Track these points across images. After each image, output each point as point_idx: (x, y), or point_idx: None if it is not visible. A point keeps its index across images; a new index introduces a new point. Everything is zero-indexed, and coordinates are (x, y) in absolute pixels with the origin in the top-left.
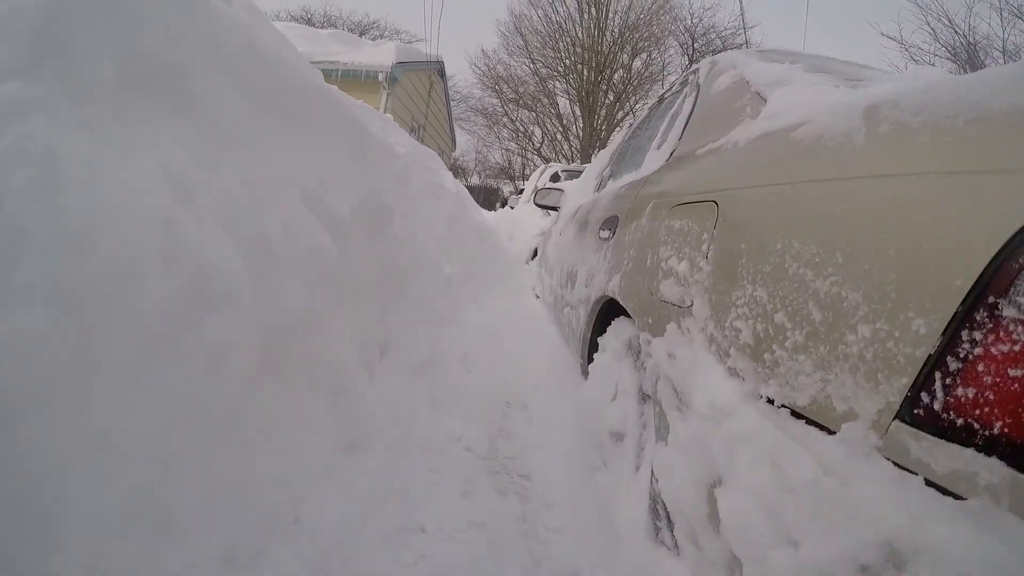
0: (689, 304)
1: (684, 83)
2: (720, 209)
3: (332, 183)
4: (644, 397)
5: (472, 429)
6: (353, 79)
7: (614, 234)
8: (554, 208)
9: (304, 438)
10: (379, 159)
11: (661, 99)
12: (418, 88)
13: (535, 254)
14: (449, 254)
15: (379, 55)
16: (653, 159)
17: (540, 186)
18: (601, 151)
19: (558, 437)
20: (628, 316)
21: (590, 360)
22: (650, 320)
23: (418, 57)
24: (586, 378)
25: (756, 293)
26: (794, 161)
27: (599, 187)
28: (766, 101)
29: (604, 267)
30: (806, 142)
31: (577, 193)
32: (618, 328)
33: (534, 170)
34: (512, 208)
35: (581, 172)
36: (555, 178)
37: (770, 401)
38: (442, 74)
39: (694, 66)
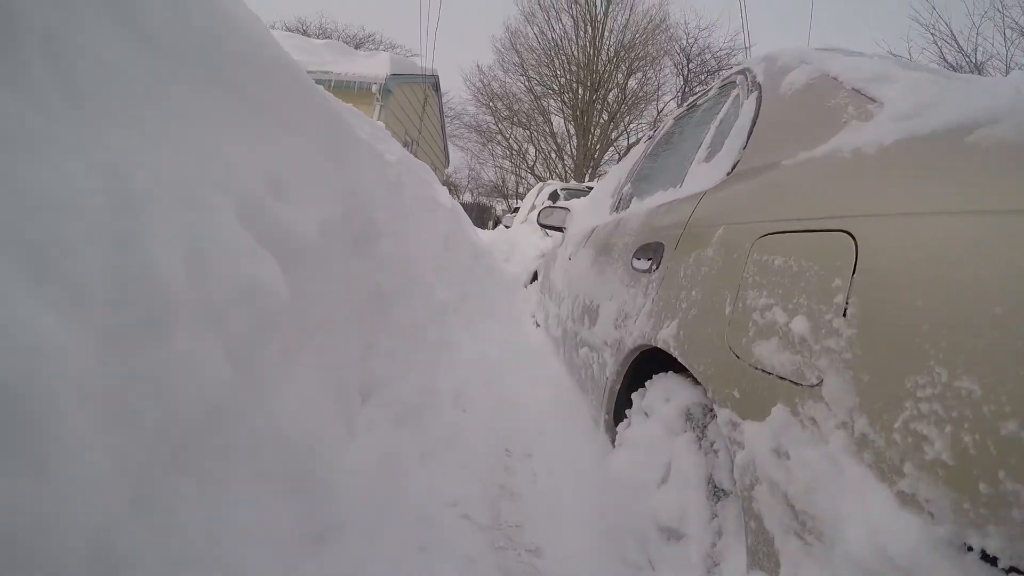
0: (815, 382)
1: (728, 84)
2: (860, 244)
3: (295, 190)
4: (718, 492)
5: (470, 489)
6: (346, 90)
7: (658, 266)
8: (558, 229)
9: (245, 553)
10: (366, 164)
11: (693, 106)
12: (412, 102)
13: (534, 277)
14: (443, 276)
15: (373, 66)
16: (701, 173)
17: (539, 204)
18: (614, 167)
19: (573, 504)
20: (682, 373)
21: (618, 417)
22: (735, 393)
23: (413, 70)
24: (612, 438)
25: (958, 383)
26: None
27: (618, 206)
28: (876, 100)
29: (644, 307)
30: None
31: (588, 213)
32: (667, 388)
33: (528, 189)
34: (507, 227)
35: (581, 191)
36: (554, 196)
37: (986, 557)
38: (437, 88)
39: (738, 66)
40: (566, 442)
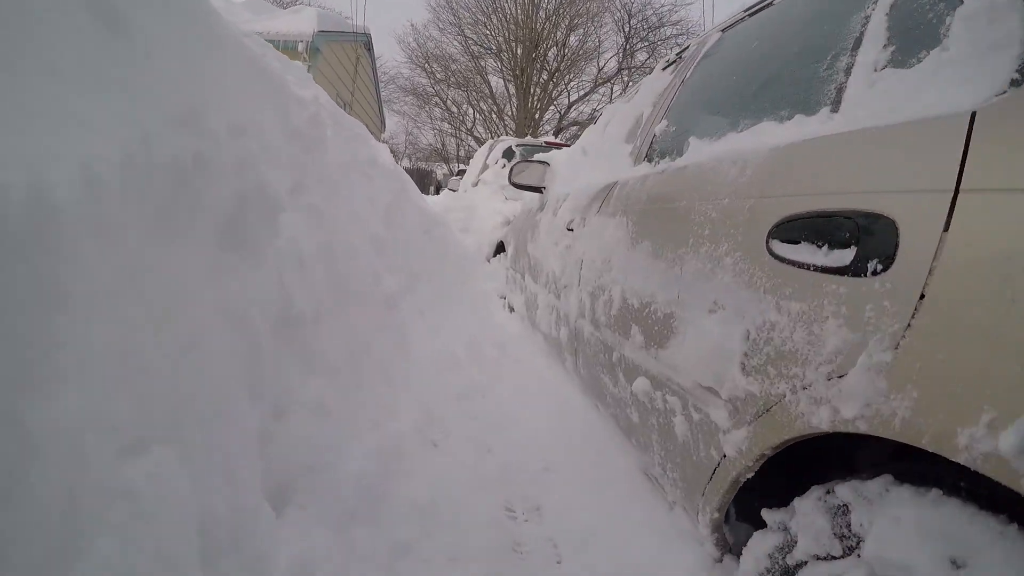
0: None
1: None
2: None
3: None
4: None
5: None
6: None
7: (885, 265)
8: (536, 189)
9: None
10: (256, 93)
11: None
12: (343, 62)
13: (499, 249)
14: (387, 257)
15: (298, 23)
16: (911, 83)
17: (491, 163)
18: (613, 106)
19: None
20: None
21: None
22: None
23: (343, 27)
24: (717, 539)
25: None
26: None
27: (649, 154)
28: None
29: (860, 354)
30: None
31: (581, 167)
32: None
33: (470, 152)
34: (452, 191)
35: (539, 146)
36: (508, 154)
37: None
38: (369, 48)
39: None
40: (592, 493)
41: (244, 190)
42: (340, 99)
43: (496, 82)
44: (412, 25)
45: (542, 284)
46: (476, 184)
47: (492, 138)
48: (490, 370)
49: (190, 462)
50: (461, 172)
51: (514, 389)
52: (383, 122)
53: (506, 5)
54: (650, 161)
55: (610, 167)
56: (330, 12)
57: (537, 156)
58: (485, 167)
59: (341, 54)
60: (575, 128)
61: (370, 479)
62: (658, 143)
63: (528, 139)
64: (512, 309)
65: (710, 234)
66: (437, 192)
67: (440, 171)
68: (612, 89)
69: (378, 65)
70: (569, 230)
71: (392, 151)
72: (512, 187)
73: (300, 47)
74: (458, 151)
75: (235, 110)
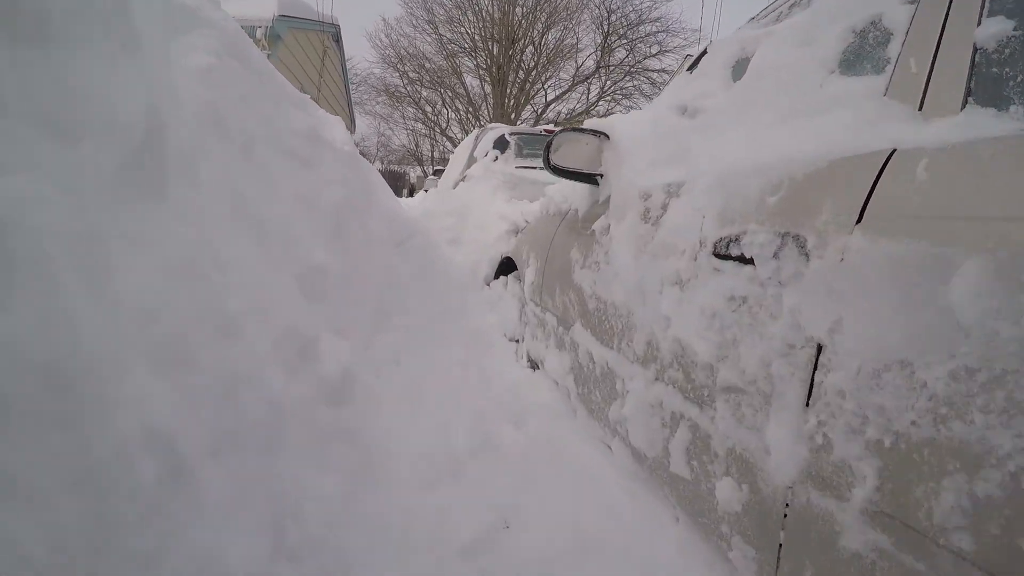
0: None
1: None
2: None
3: None
4: None
5: None
6: None
7: None
8: (587, 177)
9: None
10: None
11: None
12: (309, 53)
13: (504, 268)
14: (331, 301)
15: (257, 5)
16: None
17: (479, 156)
18: (725, 42)
19: None
20: None
21: None
22: None
23: (308, 14)
24: None
25: None
26: None
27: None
28: None
29: None
30: None
31: (702, 136)
32: None
33: (445, 154)
34: (427, 192)
35: (537, 135)
36: (500, 144)
37: None
38: (338, 40)
39: None
40: None
41: None
42: (304, 92)
43: (471, 81)
44: (384, 20)
45: (628, 355)
46: (461, 182)
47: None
48: (515, 482)
49: None
50: (438, 171)
51: (566, 526)
52: (353, 122)
53: (482, 1)
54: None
55: (823, 126)
56: (299, 1)
57: (613, 118)
58: (472, 161)
59: (307, 44)
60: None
61: None
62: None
63: (523, 127)
64: (536, 365)
65: None
66: (411, 195)
67: (414, 173)
68: (589, 88)
69: (349, 67)
70: (732, 260)
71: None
72: (522, 180)
73: (259, 32)
74: (432, 152)
75: None
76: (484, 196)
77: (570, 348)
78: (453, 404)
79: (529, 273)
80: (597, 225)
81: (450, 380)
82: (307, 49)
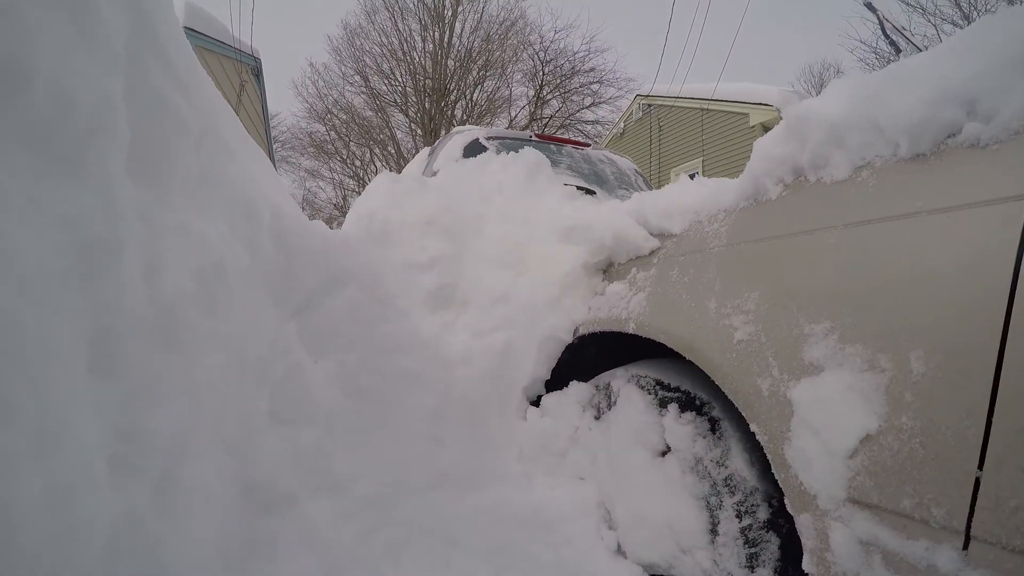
0: None
1: None
2: None
3: None
4: None
5: None
6: None
7: None
8: None
9: None
10: None
11: None
12: (221, 83)
13: (572, 357)
14: None
15: None
16: None
17: (448, 159)
18: None
19: None
20: None
21: None
22: None
23: (222, 35)
24: None
25: None
26: None
27: None
28: None
29: None
30: None
31: None
32: None
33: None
34: None
35: (525, 141)
36: (473, 150)
37: None
38: (258, 76)
39: None
40: None
41: None
42: None
43: (402, 137)
44: (312, 65)
45: None
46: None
47: None
48: None
49: None
50: None
51: None
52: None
53: (414, 55)
54: None
55: None
56: (211, 17)
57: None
58: (432, 175)
59: (219, 71)
60: None
61: None
62: None
63: (505, 130)
64: None
65: None
66: None
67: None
68: None
69: (273, 124)
70: None
71: None
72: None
73: None
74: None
75: None
76: (511, 186)
77: None
78: None
79: (838, 402)
80: None
81: None
82: (219, 78)
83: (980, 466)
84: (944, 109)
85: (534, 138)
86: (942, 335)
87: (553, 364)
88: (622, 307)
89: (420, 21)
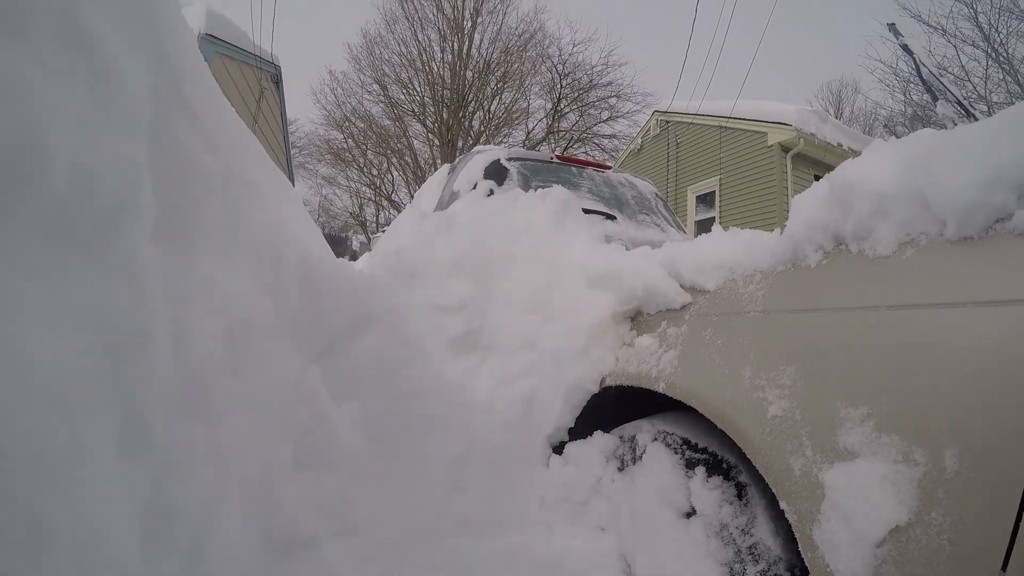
0: None
1: None
2: None
3: None
4: None
5: None
6: None
7: None
8: None
9: None
10: None
11: None
12: (241, 90)
13: (596, 407)
14: None
15: None
16: None
17: (465, 190)
18: None
19: None
20: None
21: None
22: None
23: (244, 43)
24: None
25: None
26: None
27: None
28: None
29: None
30: None
31: None
32: None
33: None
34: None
35: (546, 163)
36: (495, 172)
37: None
38: (278, 84)
39: None
40: None
41: None
42: None
43: (419, 146)
44: (331, 73)
45: None
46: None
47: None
48: None
49: None
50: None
51: None
52: (292, 180)
53: (433, 65)
54: None
55: None
56: (232, 24)
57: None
58: (451, 197)
59: (239, 78)
60: None
61: None
62: None
63: (523, 150)
64: None
65: None
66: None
67: (356, 240)
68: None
69: (292, 130)
70: None
71: None
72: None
73: None
74: (377, 217)
75: None
76: (539, 226)
77: None
78: None
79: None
80: None
81: None
82: (240, 85)
83: (1004, 567)
84: (996, 193)
85: (555, 160)
86: (978, 435)
87: (578, 412)
88: (652, 363)
89: (439, 31)
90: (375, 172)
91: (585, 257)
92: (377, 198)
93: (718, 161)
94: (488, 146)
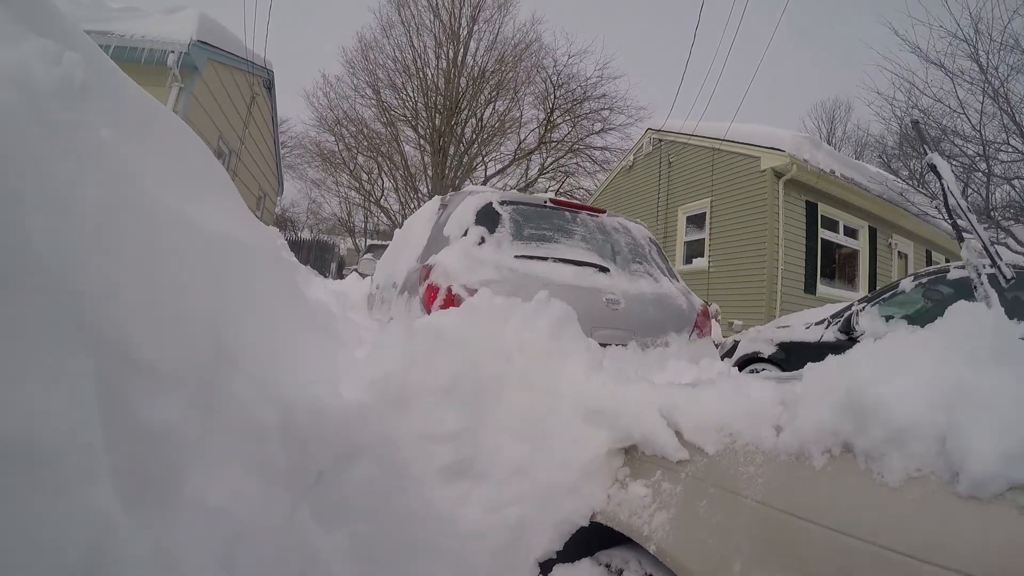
0: None
1: None
2: None
3: None
4: None
5: None
6: (131, 61)
7: None
8: None
9: None
10: None
11: None
12: (233, 96)
13: (590, 542)
14: None
15: (171, 26)
16: None
17: (455, 236)
18: None
19: None
20: None
21: None
22: None
23: (235, 47)
24: None
25: None
26: None
27: None
28: None
29: None
30: None
31: None
32: None
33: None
34: (365, 275)
35: (539, 207)
36: (487, 218)
37: None
38: (270, 88)
39: None
40: None
41: None
42: (224, 143)
43: (410, 151)
44: (324, 77)
45: None
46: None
47: (405, 211)
48: None
49: None
50: (374, 247)
51: None
52: (281, 184)
53: (427, 72)
54: None
55: None
56: (225, 29)
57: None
58: (440, 242)
59: (231, 84)
60: None
61: None
62: None
63: (516, 193)
64: None
65: None
66: (340, 273)
67: (344, 245)
68: (529, 164)
69: (282, 129)
70: None
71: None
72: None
73: (170, 59)
74: (366, 223)
75: None
76: (534, 345)
77: None
78: None
79: None
80: None
81: None
82: (232, 90)
83: None
84: (1017, 469)
85: (549, 204)
86: None
87: (567, 540)
88: (644, 519)
89: (435, 38)
90: (365, 177)
91: (581, 387)
92: (367, 204)
93: (710, 183)
94: (480, 187)
